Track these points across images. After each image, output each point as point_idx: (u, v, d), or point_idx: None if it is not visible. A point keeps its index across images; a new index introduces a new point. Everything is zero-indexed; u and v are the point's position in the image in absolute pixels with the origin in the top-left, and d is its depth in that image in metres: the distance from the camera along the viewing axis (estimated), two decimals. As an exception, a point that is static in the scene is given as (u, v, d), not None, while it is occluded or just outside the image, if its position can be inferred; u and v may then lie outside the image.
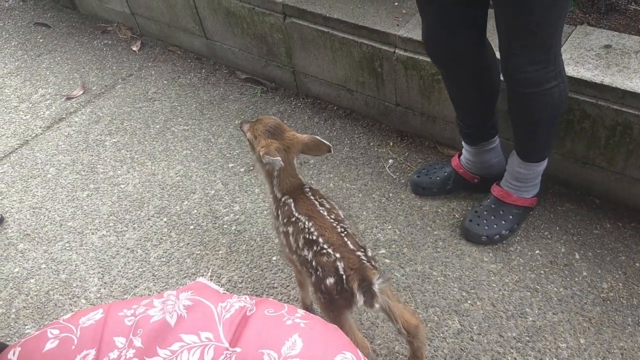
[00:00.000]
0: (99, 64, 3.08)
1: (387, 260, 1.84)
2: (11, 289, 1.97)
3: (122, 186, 2.31)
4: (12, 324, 1.86)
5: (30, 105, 2.85)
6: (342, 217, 1.39)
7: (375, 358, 1.59)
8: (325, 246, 1.28)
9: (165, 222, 2.12)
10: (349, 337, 1.15)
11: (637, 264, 1.73)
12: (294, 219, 1.37)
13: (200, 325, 0.93)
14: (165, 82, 2.86)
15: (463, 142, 1.90)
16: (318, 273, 1.28)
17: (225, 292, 1.05)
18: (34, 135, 2.67)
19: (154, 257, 1.99)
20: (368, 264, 1.26)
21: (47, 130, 2.68)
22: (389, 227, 1.95)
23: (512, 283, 1.73)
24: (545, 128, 1.65)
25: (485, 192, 1.94)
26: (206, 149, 2.40)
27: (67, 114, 2.75)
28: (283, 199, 1.43)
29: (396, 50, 2.07)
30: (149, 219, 2.14)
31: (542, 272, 1.75)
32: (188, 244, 2.02)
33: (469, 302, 1.70)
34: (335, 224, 1.34)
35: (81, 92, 2.86)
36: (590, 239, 1.82)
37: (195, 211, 2.14)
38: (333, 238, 1.30)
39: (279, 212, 1.43)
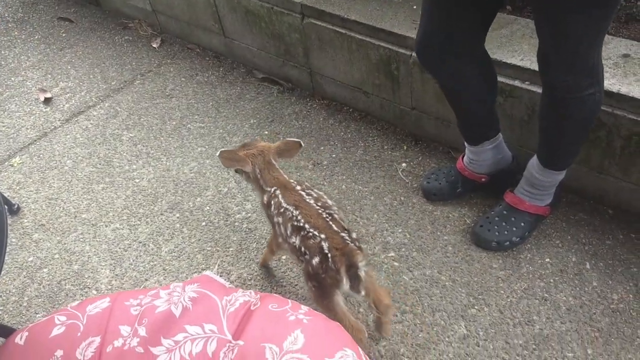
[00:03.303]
0: (119, 59, 3.12)
1: (395, 264, 1.84)
2: (24, 277, 2.00)
3: (137, 180, 2.33)
4: (24, 311, 1.89)
5: (50, 96, 2.90)
6: (330, 204, 1.49)
7: (380, 359, 1.60)
8: (311, 230, 1.39)
9: (177, 217, 2.14)
10: (343, 322, 1.33)
11: (649, 276, 1.71)
12: (282, 210, 1.49)
13: (204, 317, 0.94)
14: (183, 79, 2.89)
15: (465, 143, 1.89)
16: (306, 256, 1.38)
17: (231, 286, 1.06)
18: (52, 127, 2.71)
19: (165, 252, 2.01)
20: (352, 244, 1.35)
21: (66, 123, 2.72)
22: (399, 231, 1.95)
23: (520, 290, 1.72)
24: (575, 135, 1.64)
25: (495, 191, 1.94)
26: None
27: (86, 108, 2.80)
28: (272, 190, 1.56)
29: (413, 54, 2.07)
30: (161, 214, 2.16)
31: (551, 280, 1.73)
32: (199, 239, 2.04)
33: (476, 307, 1.69)
34: (321, 211, 1.44)
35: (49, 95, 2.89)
36: (602, 249, 1.80)
37: (207, 208, 2.16)
38: (318, 223, 1.40)
39: (272, 203, 1.54)
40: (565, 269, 1.76)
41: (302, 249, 1.39)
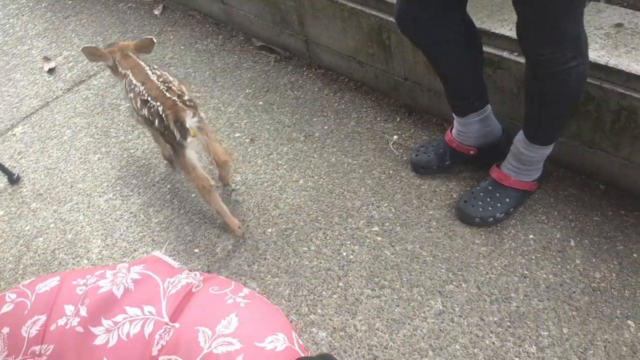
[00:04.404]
0: (122, 27, 3.12)
1: (378, 238, 1.83)
2: (21, 245, 2.06)
3: (132, 151, 2.36)
4: (19, 279, 1.96)
5: (54, 66, 2.93)
6: (170, 79, 1.82)
7: (355, 333, 1.61)
8: (152, 102, 1.73)
9: (169, 188, 2.17)
10: (193, 174, 1.77)
11: (634, 255, 1.66)
12: (133, 86, 1.83)
13: (145, 299, 0.96)
14: (182, 47, 2.88)
15: (453, 114, 1.85)
16: (154, 124, 1.74)
17: (181, 266, 1.08)
18: (54, 97, 2.75)
19: (155, 223, 2.05)
20: (182, 105, 1.70)
21: (67, 93, 2.76)
22: (385, 205, 1.93)
23: (500, 267, 1.70)
24: (559, 109, 1.59)
25: (485, 164, 1.90)
26: (215, 118, 2.42)
27: (87, 77, 2.82)
28: (126, 72, 1.91)
29: (403, 23, 2.01)
30: (153, 185, 2.19)
31: (533, 257, 1.71)
32: (188, 211, 2.06)
33: (454, 283, 1.68)
34: (160, 85, 1.77)
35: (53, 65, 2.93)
36: (588, 226, 1.76)
37: (198, 179, 2.17)
38: (157, 94, 1.74)
39: (126, 83, 1.90)
40: (548, 246, 1.73)
41: (149, 117, 1.76)
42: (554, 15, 1.31)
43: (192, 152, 1.74)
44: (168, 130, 1.70)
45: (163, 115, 1.69)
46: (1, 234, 2.12)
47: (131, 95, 1.84)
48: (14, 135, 2.57)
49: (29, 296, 0.99)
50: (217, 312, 0.93)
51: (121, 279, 0.99)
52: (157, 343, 0.91)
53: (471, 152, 1.91)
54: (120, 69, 1.96)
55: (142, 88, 1.78)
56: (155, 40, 2.00)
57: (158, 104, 1.71)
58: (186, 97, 1.74)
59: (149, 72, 1.84)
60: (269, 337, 0.89)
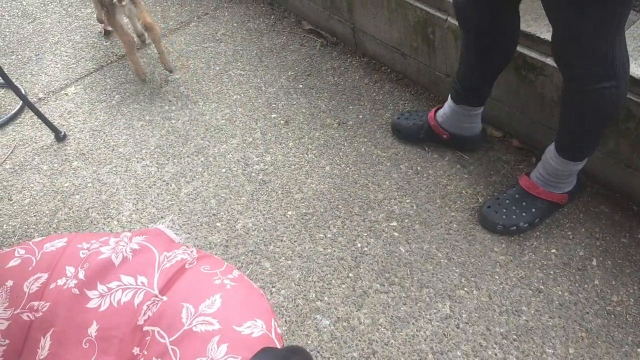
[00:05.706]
0: (180, -1, 3.19)
1: (395, 234, 1.83)
2: (58, 201, 2.18)
3: (173, 121, 2.43)
4: (52, 232, 2.07)
5: (110, 31, 3.03)
6: None
7: (358, 325, 1.62)
8: None
9: (201, 161, 2.22)
10: (120, 31, 2.41)
11: (659, 283, 1.60)
12: None
13: (140, 269, 1.01)
14: (235, 24, 2.92)
15: (449, 96, 1.91)
16: None
17: (180, 241, 1.12)
18: (109, 62, 2.85)
19: (184, 193, 2.11)
20: None
21: (122, 59, 2.85)
22: (408, 201, 1.92)
23: (516, 278, 1.66)
24: (589, 127, 1.54)
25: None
26: (255, 97, 2.46)
27: (142, 45, 2.90)
28: None
29: (448, 18, 1.97)
30: (188, 156, 2.25)
31: (551, 272, 1.66)
32: (216, 185, 2.12)
33: (465, 289, 1.66)
34: None
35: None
36: (614, 246, 1.70)
37: (230, 155, 2.22)
38: None
39: None
40: (569, 263, 1.68)
41: None
42: (584, 32, 1.26)
43: (121, 16, 2.31)
44: None
45: None
46: (42, 188, 2.24)
47: None
48: (67, 94, 2.69)
49: (35, 253, 1.05)
50: (204, 290, 0.96)
51: (122, 247, 1.04)
52: (144, 313, 0.95)
53: (444, 135, 1.99)
54: None
55: None
56: None
57: None
58: None
59: None
60: (247, 322, 0.91)
